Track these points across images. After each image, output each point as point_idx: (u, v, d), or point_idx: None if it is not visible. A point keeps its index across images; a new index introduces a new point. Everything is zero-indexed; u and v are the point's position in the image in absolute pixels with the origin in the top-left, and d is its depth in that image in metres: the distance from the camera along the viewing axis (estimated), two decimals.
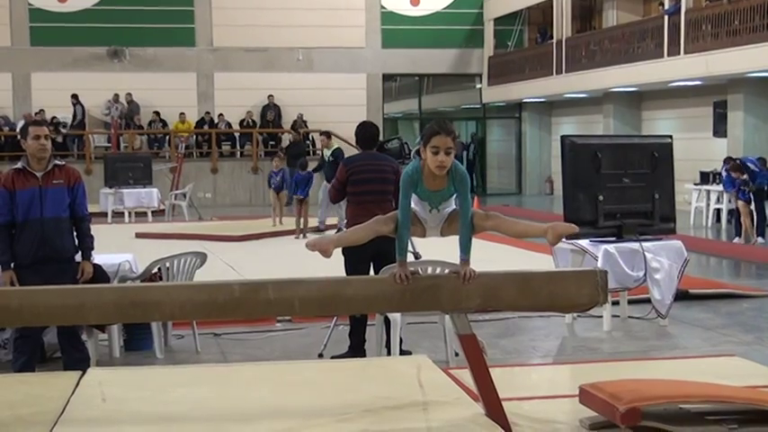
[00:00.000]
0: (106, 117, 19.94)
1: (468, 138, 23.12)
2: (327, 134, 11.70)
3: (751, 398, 3.20)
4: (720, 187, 13.41)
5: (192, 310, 3.17)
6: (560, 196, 6.70)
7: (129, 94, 19.86)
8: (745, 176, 11.29)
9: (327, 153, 11.07)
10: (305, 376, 4.04)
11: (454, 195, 3.24)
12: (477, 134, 22.96)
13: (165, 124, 19.92)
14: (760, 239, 11.23)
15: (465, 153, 22.78)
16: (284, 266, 8.62)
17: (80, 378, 3.79)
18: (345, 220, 11.26)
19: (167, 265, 5.58)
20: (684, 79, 15.03)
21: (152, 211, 14.74)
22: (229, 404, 3.48)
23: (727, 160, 12.63)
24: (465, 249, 3.20)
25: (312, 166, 12.87)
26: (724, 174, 12.72)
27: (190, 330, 5.83)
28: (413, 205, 3.27)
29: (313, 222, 11.84)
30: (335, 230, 11.08)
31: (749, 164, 11.61)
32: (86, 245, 4.65)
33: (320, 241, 3.19)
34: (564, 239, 6.33)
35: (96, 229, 5.04)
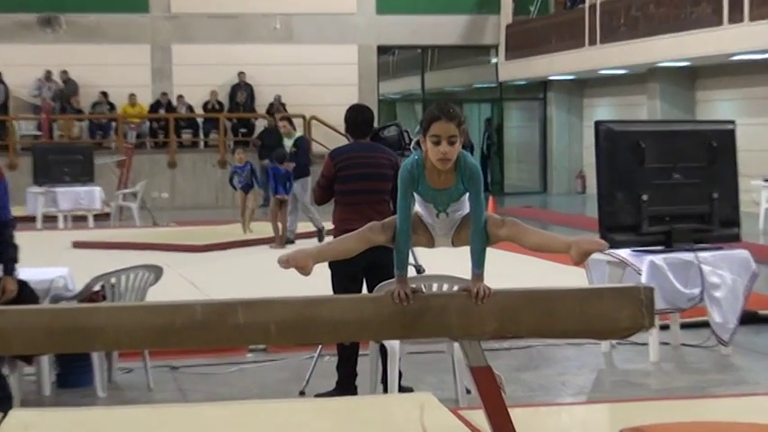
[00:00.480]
0: (35, 99, 19.87)
1: (479, 125, 23.16)
2: (288, 119, 11.71)
3: None
4: None
5: (143, 336, 3.16)
6: (594, 196, 6.70)
7: (65, 72, 19.80)
8: None
9: (289, 143, 11.08)
10: (283, 419, 4.03)
11: (466, 195, 3.23)
12: (491, 120, 23.00)
13: (111, 108, 19.90)
14: None
15: (481, 142, 22.85)
16: (258, 283, 8.60)
17: (0, 421, 3.77)
18: (319, 228, 11.17)
19: (112, 281, 5.56)
20: (749, 51, 15.01)
21: (94, 215, 14.72)
22: None
23: None
24: (477, 262, 3.20)
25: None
26: None
27: (140, 362, 5.80)
28: (417, 208, 3.26)
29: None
30: (317, 238, 11.09)
31: None
32: (9, 256, 4.64)
33: (296, 255, 3.16)
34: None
35: (23, 237, 5.03)
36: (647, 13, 17.18)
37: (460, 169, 3.18)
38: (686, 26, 16.00)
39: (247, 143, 18.72)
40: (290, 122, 11.54)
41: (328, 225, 11.51)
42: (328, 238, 8.19)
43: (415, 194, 3.24)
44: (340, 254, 3.38)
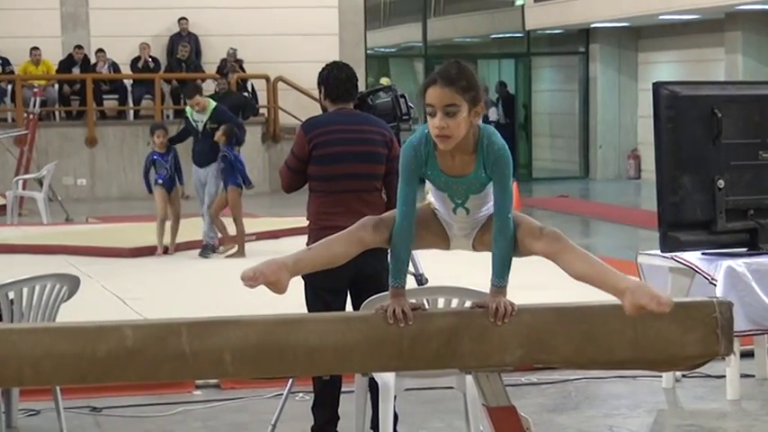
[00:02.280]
0: None
1: (492, 89, 23.19)
2: (197, 88, 11.51)
3: None
4: None
5: (53, 368, 3.17)
6: (652, 182, 6.73)
7: None
8: None
9: (203, 118, 10.97)
10: None
11: (490, 185, 3.24)
12: (506, 84, 22.91)
13: (6, 65, 19.86)
14: None
15: (496, 111, 22.87)
16: (208, 299, 8.63)
17: None
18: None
19: (10, 295, 5.57)
20: None
21: None
22: None
23: None
24: (499, 271, 3.23)
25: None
26: None
27: (50, 402, 5.81)
28: (430, 198, 3.28)
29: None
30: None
31: None
32: None
33: (266, 269, 3.17)
34: (660, 252, 6.39)
35: None
36: None
37: (481, 151, 3.19)
38: None
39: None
40: (200, 93, 11.24)
41: (294, 222, 11.61)
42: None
43: (428, 181, 3.26)
44: (324, 262, 3.38)
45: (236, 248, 11.29)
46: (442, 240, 3.36)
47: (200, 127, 10.98)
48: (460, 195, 3.27)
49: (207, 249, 11.25)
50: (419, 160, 3.22)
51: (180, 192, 11.36)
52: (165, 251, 11.32)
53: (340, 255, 3.34)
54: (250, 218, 14.81)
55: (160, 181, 11.20)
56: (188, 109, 11.24)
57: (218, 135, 10.78)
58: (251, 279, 3.14)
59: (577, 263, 3.20)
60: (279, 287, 3.16)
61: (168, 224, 11.39)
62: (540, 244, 3.21)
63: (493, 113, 22.53)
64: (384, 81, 18.45)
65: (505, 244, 3.21)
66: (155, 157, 11.18)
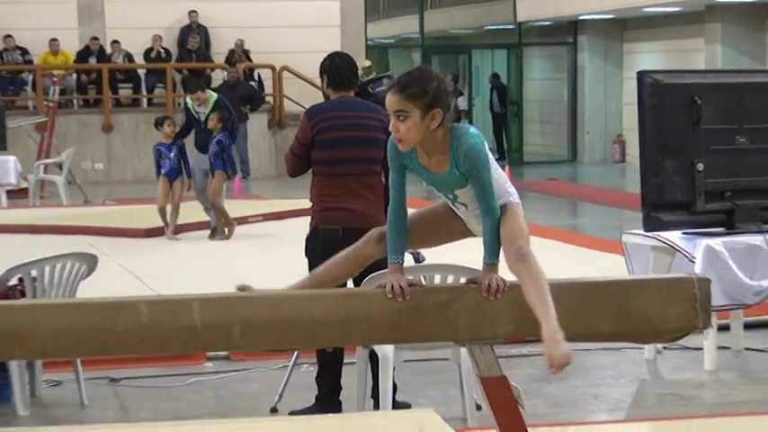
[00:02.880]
0: None
1: (477, 82, 23.12)
2: (199, 84, 11.39)
3: None
4: None
5: (73, 342, 3.18)
6: (636, 165, 6.73)
7: None
8: None
9: (203, 111, 10.91)
10: None
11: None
12: (498, 76, 22.89)
13: (25, 54, 19.79)
14: None
15: (491, 102, 22.82)
16: (218, 276, 8.59)
17: None
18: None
19: (33, 273, 5.58)
20: None
21: (8, 191, 14.70)
22: None
23: None
24: (490, 251, 3.24)
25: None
26: None
27: (71, 373, 5.83)
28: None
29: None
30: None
31: None
32: None
33: None
34: (643, 232, 6.40)
35: None
36: None
37: (453, 150, 3.21)
38: None
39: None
40: (203, 89, 11.15)
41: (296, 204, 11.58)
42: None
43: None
44: (329, 284, 3.41)
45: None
46: (463, 230, 3.36)
47: (203, 117, 10.92)
48: (448, 190, 3.29)
49: (215, 232, 11.21)
50: (399, 153, 3.25)
51: (186, 184, 11.12)
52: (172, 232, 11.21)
53: (342, 276, 3.45)
54: (257, 200, 14.86)
55: (164, 171, 10.99)
56: (189, 101, 11.16)
57: (213, 123, 10.68)
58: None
59: (526, 291, 3.16)
60: None
61: (168, 209, 11.15)
62: (507, 253, 3.21)
63: (461, 102, 22.46)
64: (365, 63, 18.39)
65: (492, 226, 3.22)
66: (159, 147, 11.04)
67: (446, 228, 3.38)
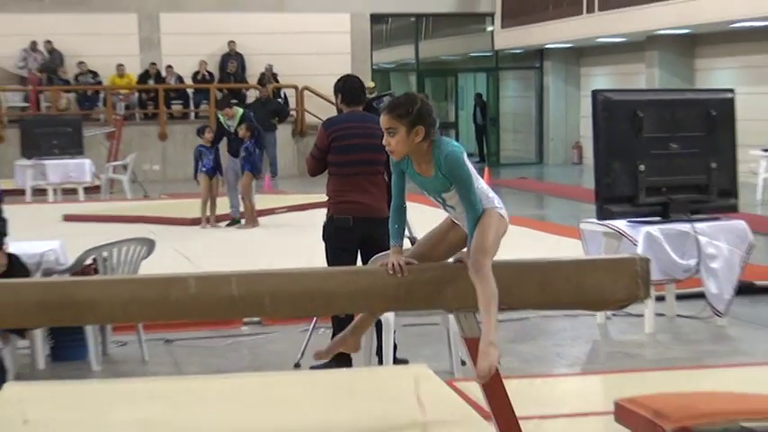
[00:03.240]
0: (21, 70, 19.71)
1: (462, 99, 23.04)
2: (227, 103, 11.53)
3: None
4: None
5: (136, 309, 3.19)
6: (591, 166, 6.71)
7: (49, 42, 19.65)
8: None
9: (232, 124, 10.98)
10: (278, 391, 4.07)
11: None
12: (482, 95, 22.89)
13: (95, 77, 19.77)
14: None
15: (474, 115, 22.78)
16: (253, 257, 8.63)
17: None
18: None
19: (104, 254, 5.59)
20: (749, 18, 14.93)
21: (84, 188, 14.70)
22: (185, 426, 3.51)
23: None
24: (473, 234, 3.22)
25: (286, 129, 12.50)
26: None
27: (134, 335, 5.85)
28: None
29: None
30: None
31: None
32: None
33: (335, 347, 3.48)
34: (596, 221, 6.39)
35: (11, 211, 5.04)
36: None
37: (436, 159, 3.18)
38: None
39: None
40: (230, 106, 11.22)
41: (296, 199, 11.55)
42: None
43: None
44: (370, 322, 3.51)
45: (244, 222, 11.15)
46: (463, 238, 3.26)
47: (232, 129, 10.99)
48: (437, 193, 3.25)
49: (234, 221, 11.24)
50: (399, 162, 3.22)
51: (219, 182, 11.21)
52: (208, 221, 11.24)
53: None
54: (283, 194, 14.84)
55: (204, 169, 10.98)
56: (220, 116, 11.21)
57: (242, 132, 10.76)
58: (323, 356, 3.45)
59: (478, 300, 3.12)
60: (352, 349, 3.47)
61: (210, 202, 11.16)
62: (469, 262, 3.16)
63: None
64: (370, 84, 18.32)
65: (473, 220, 3.18)
66: (201, 148, 11.08)
67: (447, 238, 3.32)
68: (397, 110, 3.14)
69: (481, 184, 3.25)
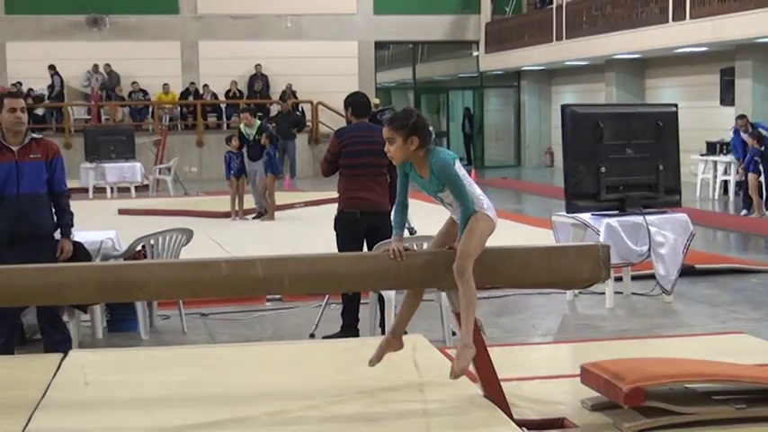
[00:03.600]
0: (86, 88, 19.81)
1: (452, 112, 22.94)
2: (249, 111, 11.47)
3: (759, 376, 3.21)
4: (728, 158, 13.39)
5: (177, 288, 3.17)
6: (561, 168, 6.69)
7: (108, 65, 19.73)
8: (762, 147, 11.22)
9: (251, 132, 10.95)
10: (296, 357, 4.05)
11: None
12: (470, 109, 22.87)
13: (145, 95, 19.83)
14: None
15: (463, 125, 22.76)
16: (275, 244, 8.61)
17: (61, 360, 3.79)
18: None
19: (152, 242, 5.57)
20: (690, 45, 14.95)
21: (135, 187, 14.72)
22: (218, 386, 3.49)
23: (741, 117, 12.52)
24: (463, 227, 3.19)
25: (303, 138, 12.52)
26: (732, 134, 12.67)
27: (176, 310, 5.83)
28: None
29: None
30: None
31: (762, 129, 11.57)
32: (65, 222, 4.64)
33: (384, 351, 3.29)
34: (565, 214, 6.36)
35: (77, 206, 5.02)
36: (605, 13, 17.13)
37: (430, 164, 3.15)
38: (638, 24, 15.96)
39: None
40: (251, 114, 11.19)
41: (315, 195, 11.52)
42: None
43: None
44: (409, 315, 3.38)
45: (268, 215, 11.16)
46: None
47: (251, 137, 10.96)
48: (434, 193, 3.21)
49: (260, 214, 11.22)
50: (403, 165, 3.19)
51: (245, 181, 11.22)
52: (236, 215, 11.23)
53: (414, 305, 3.35)
54: (300, 192, 14.82)
55: (232, 172, 11.05)
56: (242, 127, 11.15)
57: (264, 140, 10.80)
58: (374, 361, 3.30)
59: (459, 302, 3.09)
60: (398, 348, 3.32)
61: (239, 199, 11.19)
62: (453, 265, 3.10)
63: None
64: (375, 100, 18.29)
65: (464, 214, 3.14)
66: (230, 154, 11.13)
67: (450, 232, 3.25)
68: (396, 123, 3.13)
69: (475, 189, 3.20)
